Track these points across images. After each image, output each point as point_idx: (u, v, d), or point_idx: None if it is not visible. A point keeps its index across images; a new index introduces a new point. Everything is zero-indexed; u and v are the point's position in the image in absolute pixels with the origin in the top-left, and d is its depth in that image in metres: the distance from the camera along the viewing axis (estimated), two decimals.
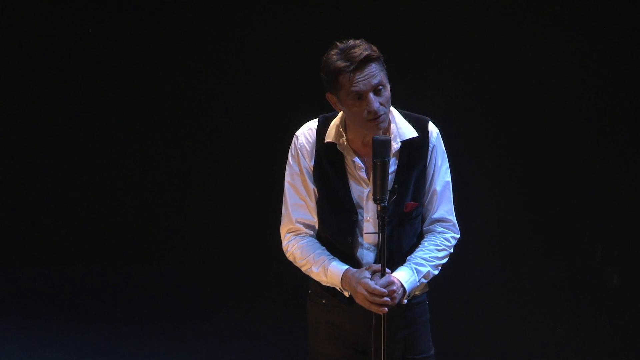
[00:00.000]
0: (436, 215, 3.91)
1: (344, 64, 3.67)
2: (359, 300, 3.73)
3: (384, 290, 3.69)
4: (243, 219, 9.15)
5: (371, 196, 3.71)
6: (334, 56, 3.70)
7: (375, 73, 3.68)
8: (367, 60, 3.67)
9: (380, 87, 3.69)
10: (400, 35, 8.22)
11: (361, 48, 3.68)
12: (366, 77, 3.67)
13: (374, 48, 3.72)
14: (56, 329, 7.95)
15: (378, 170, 3.66)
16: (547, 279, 8.31)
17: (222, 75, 9.24)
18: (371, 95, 3.68)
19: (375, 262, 3.82)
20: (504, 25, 8.30)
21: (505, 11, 8.29)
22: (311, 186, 3.88)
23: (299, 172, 3.89)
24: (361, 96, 3.69)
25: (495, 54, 8.29)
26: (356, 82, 3.67)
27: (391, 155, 3.79)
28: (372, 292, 3.69)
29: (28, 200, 9.50)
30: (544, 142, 8.41)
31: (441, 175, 3.89)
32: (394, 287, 3.71)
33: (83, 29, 9.35)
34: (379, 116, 3.70)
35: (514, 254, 8.46)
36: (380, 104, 3.69)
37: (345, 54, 3.68)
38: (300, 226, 3.91)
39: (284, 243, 3.94)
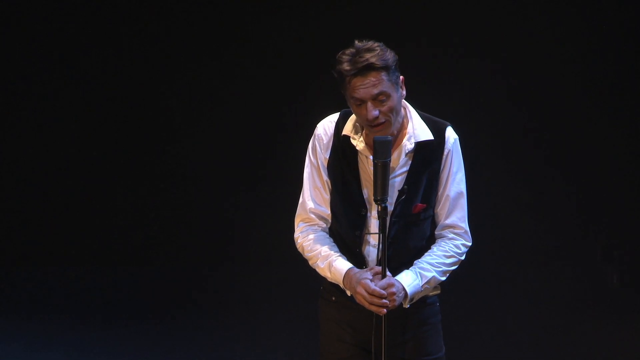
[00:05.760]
0: (448, 222, 3.87)
1: (347, 67, 3.64)
2: (358, 300, 3.72)
3: (382, 291, 3.68)
4: (246, 218, 9.15)
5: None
6: (345, 56, 3.68)
7: (378, 82, 3.64)
8: (368, 68, 3.62)
9: (382, 97, 3.66)
10: (417, 34, 8.21)
11: (370, 54, 3.63)
12: (366, 85, 3.64)
13: (388, 55, 3.66)
14: (56, 328, 7.95)
15: (378, 170, 3.63)
16: (548, 279, 8.33)
17: (218, 74, 9.22)
18: (369, 103, 3.65)
19: (377, 264, 3.79)
20: (515, 24, 8.33)
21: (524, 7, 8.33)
22: (325, 178, 3.88)
23: (315, 163, 3.88)
24: (361, 102, 3.68)
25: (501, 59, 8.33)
26: (356, 88, 3.65)
27: (404, 156, 3.79)
28: (371, 293, 3.68)
29: (27, 201, 9.49)
30: (545, 143, 8.43)
31: (456, 181, 3.85)
32: (394, 290, 3.69)
33: (77, 29, 9.33)
34: (378, 124, 3.68)
35: (515, 255, 8.47)
36: (381, 112, 3.67)
37: (354, 57, 3.64)
38: (314, 217, 3.90)
39: (296, 233, 3.94)
